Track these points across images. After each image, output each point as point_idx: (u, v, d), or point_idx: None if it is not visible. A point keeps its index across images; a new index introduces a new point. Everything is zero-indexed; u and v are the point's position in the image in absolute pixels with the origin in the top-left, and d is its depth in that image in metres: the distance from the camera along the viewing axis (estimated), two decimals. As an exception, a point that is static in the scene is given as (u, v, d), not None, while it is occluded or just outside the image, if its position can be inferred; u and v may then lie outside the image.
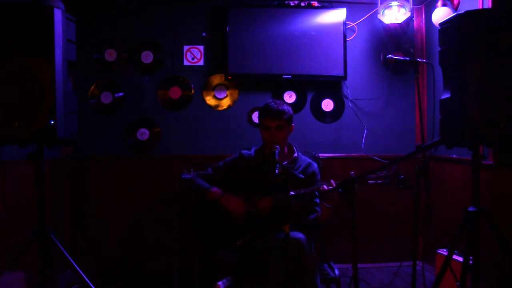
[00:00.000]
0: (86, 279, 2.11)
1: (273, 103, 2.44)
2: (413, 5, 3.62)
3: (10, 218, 2.70)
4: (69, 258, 2.08)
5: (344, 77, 3.65)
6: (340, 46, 3.63)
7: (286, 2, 3.64)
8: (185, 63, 3.67)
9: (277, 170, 1.99)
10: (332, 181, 2.18)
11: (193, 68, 3.68)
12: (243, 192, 2.42)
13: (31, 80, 1.94)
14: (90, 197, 3.60)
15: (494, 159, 2.76)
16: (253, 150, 2.58)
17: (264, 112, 2.44)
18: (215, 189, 2.42)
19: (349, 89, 3.75)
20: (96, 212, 3.59)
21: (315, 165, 2.56)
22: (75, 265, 2.10)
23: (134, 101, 3.65)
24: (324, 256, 2.65)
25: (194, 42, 3.67)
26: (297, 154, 2.53)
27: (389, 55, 2.97)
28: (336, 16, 3.62)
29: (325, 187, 2.20)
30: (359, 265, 1.99)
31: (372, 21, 3.76)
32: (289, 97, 3.74)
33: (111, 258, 3.59)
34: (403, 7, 3.54)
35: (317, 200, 2.47)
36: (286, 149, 2.54)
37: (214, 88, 3.70)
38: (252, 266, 2.30)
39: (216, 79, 3.69)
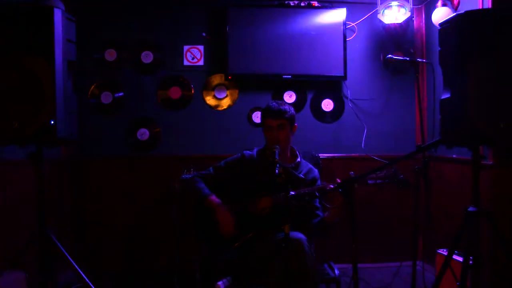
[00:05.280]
0: (86, 279, 2.11)
1: (274, 103, 2.46)
2: (413, 5, 3.62)
3: (10, 218, 2.70)
4: (69, 258, 2.08)
5: (344, 77, 3.65)
6: (340, 46, 3.63)
7: (286, 2, 3.64)
8: (185, 63, 3.67)
9: (277, 170, 1.99)
10: (338, 179, 2.17)
11: (193, 68, 3.68)
12: (244, 192, 2.42)
13: (31, 80, 1.94)
14: (90, 197, 3.60)
15: (494, 159, 2.76)
16: (255, 150, 2.58)
17: (266, 112, 2.46)
18: (212, 198, 2.42)
19: (349, 89, 3.75)
20: (96, 212, 3.59)
21: (316, 171, 2.57)
22: (75, 265, 2.10)
23: (134, 101, 3.65)
24: (324, 256, 2.65)
25: (194, 42, 3.67)
26: (300, 159, 2.53)
27: (389, 55, 2.98)
28: (336, 16, 3.62)
29: (331, 186, 2.20)
30: (359, 265, 1.99)
31: (372, 21, 3.76)
32: (289, 97, 3.74)
33: (111, 258, 3.59)
34: (403, 7, 3.53)
35: (318, 205, 2.47)
36: (288, 152, 2.54)
37: (214, 88, 3.70)
38: (252, 266, 2.30)
39: (216, 79, 3.69)
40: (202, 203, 2.44)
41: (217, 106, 3.71)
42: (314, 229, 2.40)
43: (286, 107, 2.45)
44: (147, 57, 3.65)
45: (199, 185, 2.48)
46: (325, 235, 2.56)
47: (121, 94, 3.64)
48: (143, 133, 3.66)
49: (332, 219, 2.32)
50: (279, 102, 2.49)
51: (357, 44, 3.77)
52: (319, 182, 2.53)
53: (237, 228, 2.35)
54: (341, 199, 2.19)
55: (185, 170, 3.34)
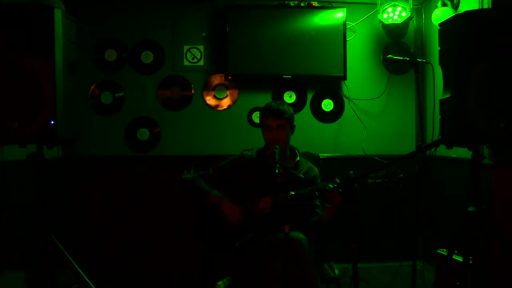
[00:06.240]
0: (86, 279, 2.11)
1: (273, 103, 2.45)
2: (413, 5, 3.62)
3: (10, 218, 2.70)
4: (69, 258, 2.08)
5: (344, 77, 3.65)
6: (340, 46, 3.63)
7: (286, 2, 3.64)
8: (185, 63, 3.67)
9: (277, 170, 1.99)
10: (337, 179, 2.17)
11: (193, 68, 3.68)
12: (244, 192, 2.42)
13: (31, 80, 1.94)
14: (90, 197, 3.59)
15: (494, 159, 2.76)
16: (254, 151, 2.58)
17: (265, 112, 2.45)
18: (214, 193, 2.42)
19: (349, 89, 3.75)
20: (96, 212, 3.59)
21: (316, 169, 2.57)
22: (75, 265, 2.10)
23: (134, 101, 3.65)
24: (324, 256, 2.65)
25: (194, 42, 3.67)
26: (299, 158, 2.53)
27: (389, 55, 2.97)
28: (336, 16, 3.62)
29: (330, 186, 2.20)
30: (359, 265, 1.99)
31: (372, 21, 3.76)
32: (289, 97, 3.74)
33: (111, 258, 3.59)
34: (403, 7, 3.54)
35: (318, 203, 2.48)
36: (288, 151, 2.53)
37: (214, 88, 3.70)
38: (252, 266, 2.30)
39: (216, 79, 3.70)
40: (204, 200, 2.43)
41: (217, 106, 3.71)
42: (312, 227, 2.40)
43: (285, 107, 2.45)
44: (147, 57, 3.65)
45: (200, 183, 2.48)
46: (320, 235, 2.56)
47: (121, 94, 3.64)
48: (143, 133, 3.66)
49: (328, 218, 2.32)
50: (278, 102, 2.48)
51: (357, 44, 3.78)
52: (319, 180, 2.53)
53: (244, 218, 2.35)
54: (340, 198, 2.19)
55: (185, 170, 3.33)
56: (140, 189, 3.61)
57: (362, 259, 3.62)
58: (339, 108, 3.77)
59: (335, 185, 2.18)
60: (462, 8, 3.16)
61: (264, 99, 3.57)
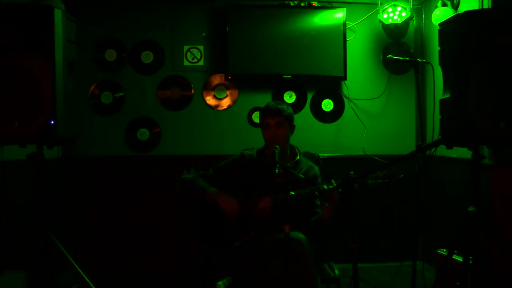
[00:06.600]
0: (86, 279, 2.11)
1: (272, 103, 2.48)
2: (413, 5, 3.62)
3: (10, 218, 2.70)
4: (69, 258, 2.08)
5: (344, 77, 3.65)
6: (340, 46, 3.63)
7: (286, 2, 3.64)
8: (185, 63, 3.67)
9: (277, 170, 2.00)
10: (333, 181, 2.19)
11: (193, 68, 3.68)
12: (244, 192, 2.42)
13: (31, 80, 1.94)
14: (90, 197, 3.60)
15: (494, 159, 2.76)
16: (254, 150, 2.58)
17: (264, 111, 2.47)
18: (211, 190, 2.43)
19: (349, 89, 3.75)
20: (96, 212, 3.59)
21: (317, 168, 2.57)
22: (75, 265, 2.10)
23: (134, 101, 3.65)
24: (324, 256, 2.65)
25: (194, 42, 3.67)
26: (299, 157, 2.53)
27: (389, 55, 2.97)
28: (336, 16, 3.62)
29: (325, 187, 2.20)
30: (359, 265, 1.99)
31: (372, 21, 3.76)
32: (289, 97, 3.74)
33: (111, 258, 3.59)
34: (403, 7, 3.54)
35: (317, 203, 2.48)
36: (288, 150, 2.54)
37: (214, 88, 3.70)
38: (252, 266, 2.30)
39: (216, 79, 3.70)
40: (202, 197, 2.44)
41: (217, 106, 3.71)
42: (312, 226, 2.40)
43: (284, 106, 2.46)
44: (147, 57, 3.65)
45: (199, 182, 2.49)
46: (320, 235, 2.57)
47: (121, 94, 3.64)
48: (143, 133, 3.66)
49: (328, 218, 2.33)
50: (277, 101, 2.50)
51: (357, 44, 3.78)
52: (319, 179, 2.53)
53: (243, 215, 2.36)
54: (337, 199, 2.20)
55: (185, 170, 3.33)
56: (140, 189, 3.61)
57: (362, 259, 3.62)
58: (339, 108, 3.77)
59: (331, 186, 2.19)
60: (462, 8, 3.16)
61: (264, 99, 3.58)
